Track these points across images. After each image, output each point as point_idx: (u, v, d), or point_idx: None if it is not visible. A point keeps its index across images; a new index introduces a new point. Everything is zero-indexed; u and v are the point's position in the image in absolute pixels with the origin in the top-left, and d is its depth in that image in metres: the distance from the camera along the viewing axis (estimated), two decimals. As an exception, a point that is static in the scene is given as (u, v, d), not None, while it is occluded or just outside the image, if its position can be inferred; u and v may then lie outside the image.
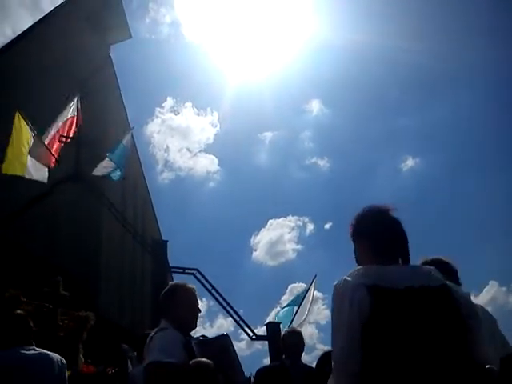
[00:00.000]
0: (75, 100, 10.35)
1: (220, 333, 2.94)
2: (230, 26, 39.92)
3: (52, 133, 9.62)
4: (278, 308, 13.03)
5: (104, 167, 10.77)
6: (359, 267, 1.75)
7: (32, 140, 8.81)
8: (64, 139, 9.83)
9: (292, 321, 11.59)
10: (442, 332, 1.58)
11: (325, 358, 4.33)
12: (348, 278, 1.70)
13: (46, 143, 9.21)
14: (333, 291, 1.72)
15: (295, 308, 11.83)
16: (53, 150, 9.37)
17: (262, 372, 4.29)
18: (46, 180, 8.96)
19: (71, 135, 10.01)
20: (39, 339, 3.65)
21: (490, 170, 35.89)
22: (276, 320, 12.30)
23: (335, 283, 1.73)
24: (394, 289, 1.62)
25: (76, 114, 10.15)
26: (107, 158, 10.87)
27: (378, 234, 1.83)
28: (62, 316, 4.67)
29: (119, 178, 11.31)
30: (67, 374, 3.65)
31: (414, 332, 1.56)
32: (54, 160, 9.36)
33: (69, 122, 10.01)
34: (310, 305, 12.10)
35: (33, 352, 3.44)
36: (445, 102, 36.37)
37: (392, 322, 1.56)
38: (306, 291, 12.23)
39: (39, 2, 29.64)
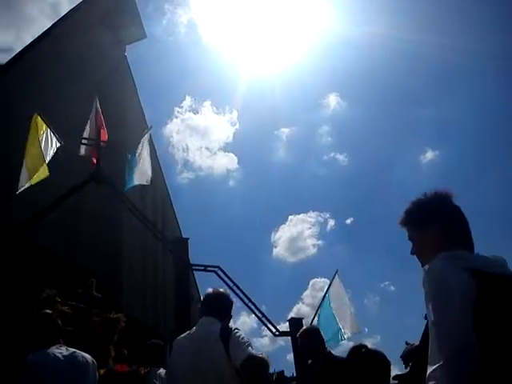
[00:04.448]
0: (94, 102, 10.40)
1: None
2: (246, 22, 39.93)
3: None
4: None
5: (141, 175, 10.73)
6: (449, 252, 1.60)
7: (50, 142, 8.91)
8: (101, 143, 10.06)
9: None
10: None
11: (354, 351, 4.32)
12: (444, 262, 1.54)
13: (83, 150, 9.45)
14: (426, 276, 1.55)
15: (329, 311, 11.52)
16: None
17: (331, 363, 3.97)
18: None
19: (103, 138, 10.22)
20: (73, 339, 3.69)
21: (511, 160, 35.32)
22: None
23: (427, 267, 1.57)
24: (494, 274, 1.51)
25: (96, 115, 10.21)
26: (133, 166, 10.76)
27: (452, 219, 1.72)
28: (94, 317, 4.71)
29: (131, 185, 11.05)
30: (101, 372, 3.69)
31: None
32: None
33: (96, 125, 10.14)
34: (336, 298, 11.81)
35: (66, 352, 3.46)
36: (463, 94, 35.95)
37: (503, 307, 1.46)
38: (329, 287, 12.12)
39: (59, 9, 29.83)
